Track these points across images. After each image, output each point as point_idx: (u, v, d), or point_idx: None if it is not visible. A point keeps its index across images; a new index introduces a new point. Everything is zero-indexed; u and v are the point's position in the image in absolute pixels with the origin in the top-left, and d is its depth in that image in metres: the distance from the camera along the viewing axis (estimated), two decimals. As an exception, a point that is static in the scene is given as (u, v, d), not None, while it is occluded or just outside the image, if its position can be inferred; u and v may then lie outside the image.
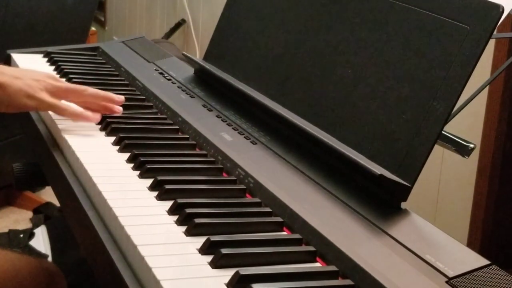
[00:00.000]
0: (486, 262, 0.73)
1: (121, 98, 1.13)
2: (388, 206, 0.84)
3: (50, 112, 1.12)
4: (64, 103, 1.08)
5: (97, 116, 1.09)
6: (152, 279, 0.69)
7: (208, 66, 1.24)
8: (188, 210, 0.80)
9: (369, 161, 0.88)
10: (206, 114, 1.12)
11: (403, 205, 0.84)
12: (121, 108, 1.12)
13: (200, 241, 0.75)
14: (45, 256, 1.96)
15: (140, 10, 3.82)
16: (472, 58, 0.84)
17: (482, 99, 1.81)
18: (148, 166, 0.92)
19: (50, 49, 1.47)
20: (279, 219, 0.82)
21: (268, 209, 0.85)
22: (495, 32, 0.86)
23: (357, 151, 0.91)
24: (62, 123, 1.08)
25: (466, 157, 1.07)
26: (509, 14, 0.97)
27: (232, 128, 1.06)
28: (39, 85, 1.07)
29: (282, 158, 0.96)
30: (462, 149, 1.07)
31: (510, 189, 1.87)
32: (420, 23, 0.91)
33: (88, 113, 1.08)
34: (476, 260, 0.73)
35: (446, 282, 0.69)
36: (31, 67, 1.36)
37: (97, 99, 1.11)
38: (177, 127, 1.09)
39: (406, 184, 0.83)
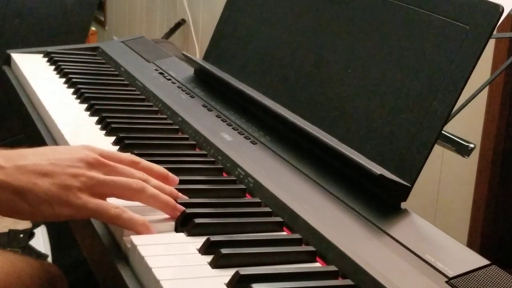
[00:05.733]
0: (486, 262, 0.73)
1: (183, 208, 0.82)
2: (388, 206, 0.84)
3: (51, 114, 1.11)
4: (117, 207, 0.77)
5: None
6: (152, 279, 0.69)
7: (208, 66, 1.24)
8: (188, 210, 0.80)
9: (369, 161, 0.88)
10: (206, 114, 1.12)
11: (403, 205, 0.84)
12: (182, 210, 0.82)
13: (200, 241, 0.75)
14: (45, 256, 1.96)
15: (140, 10, 3.82)
16: (472, 58, 0.84)
17: (482, 99, 1.81)
18: (148, 166, 0.92)
19: (50, 49, 1.47)
20: (279, 219, 0.82)
21: (268, 209, 0.85)
22: (495, 32, 0.86)
23: (357, 151, 0.91)
24: (61, 123, 1.08)
25: (466, 157, 1.07)
26: (509, 14, 0.97)
27: (232, 128, 1.06)
28: (76, 183, 0.76)
29: (282, 158, 0.96)
30: (462, 149, 1.07)
31: (510, 189, 1.87)
32: (420, 23, 0.91)
33: (151, 227, 0.78)
34: (476, 260, 0.73)
35: (446, 282, 0.69)
36: (31, 67, 1.36)
37: (154, 203, 0.81)
38: (177, 127, 1.09)
39: (406, 184, 0.83)
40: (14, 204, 0.75)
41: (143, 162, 0.84)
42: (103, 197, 0.78)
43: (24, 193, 0.74)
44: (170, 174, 0.86)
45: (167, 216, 0.80)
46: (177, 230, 0.79)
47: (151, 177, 0.83)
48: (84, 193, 0.76)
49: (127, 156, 0.85)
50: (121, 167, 0.81)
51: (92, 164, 0.79)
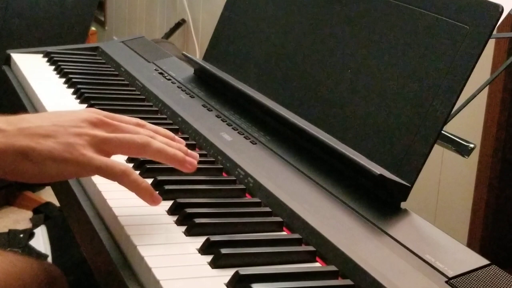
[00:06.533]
0: (486, 262, 0.73)
1: (194, 165, 0.82)
2: (388, 206, 0.84)
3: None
4: (124, 165, 0.77)
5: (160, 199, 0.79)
6: (152, 279, 0.69)
7: (208, 66, 1.24)
8: (188, 210, 0.80)
9: (369, 161, 0.88)
10: (206, 114, 1.12)
11: (403, 205, 0.84)
12: (194, 166, 0.82)
13: (200, 241, 0.75)
14: (45, 256, 1.96)
15: (140, 10, 3.82)
16: (472, 58, 0.84)
17: (482, 99, 1.81)
18: (148, 166, 0.92)
19: (50, 49, 1.47)
20: (279, 219, 0.82)
21: (268, 209, 0.85)
22: (495, 32, 0.86)
23: (357, 151, 0.91)
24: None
25: (466, 157, 1.07)
26: (509, 14, 0.97)
27: (232, 128, 1.06)
28: (80, 141, 0.75)
29: (282, 158, 0.96)
30: (462, 149, 1.07)
31: (510, 189, 1.87)
32: (419, 23, 0.91)
33: (157, 196, 0.78)
34: (476, 260, 0.73)
35: (446, 282, 0.69)
36: (32, 67, 1.37)
37: (162, 159, 0.80)
38: (177, 127, 1.09)
39: (406, 184, 0.83)
40: (17, 164, 0.74)
41: (148, 124, 0.83)
42: (108, 154, 0.78)
43: (27, 153, 0.73)
44: (176, 136, 0.84)
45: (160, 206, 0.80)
46: (178, 226, 0.79)
47: (157, 135, 0.82)
48: (89, 151, 0.75)
49: (132, 118, 0.84)
50: (125, 125, 0.81)
51: (95, 124, 0.79)
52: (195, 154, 0.83)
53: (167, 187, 0.86)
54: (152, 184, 0.88)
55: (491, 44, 1.73)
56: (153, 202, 0.78)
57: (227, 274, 0.69)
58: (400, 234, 0.77)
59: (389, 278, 0.69)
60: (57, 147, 0.74)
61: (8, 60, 1.43)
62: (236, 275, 0.68)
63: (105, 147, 0.77)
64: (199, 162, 0.97)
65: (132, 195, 0.81)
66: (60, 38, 2.34)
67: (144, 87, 1.26)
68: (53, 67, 1.38)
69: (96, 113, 0.81)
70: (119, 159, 0.80)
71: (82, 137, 0.76)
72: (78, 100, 1.20)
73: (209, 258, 0.72)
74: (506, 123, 1.80)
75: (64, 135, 0.75)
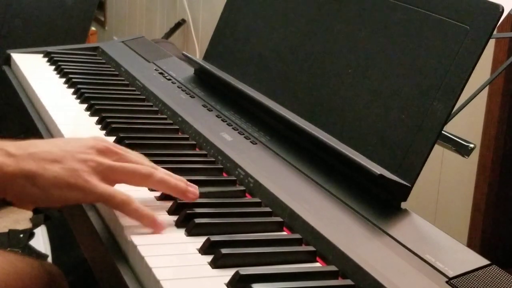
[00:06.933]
0: (486, 262, 0.73)
1: (196, 194, 0.83)
2: (388, 206, 0.84)
3: (51, 114, 1.11)
4: (125, 195, 0.78)
5: (165, 225, 0.79)
6: (152, 279, 0.69)
7: (208, 66, 1.24)
8: (188, 210, 0.80)
9: (369, 161, 0.88)
10: (206, 114, 1.12)
11: (403, 205, 0.84)
12: (196, 194, 0.83)
13: (200, 241, 0.75)
14: (45, 256, 1.96)
15: (140, 10, 3.82)
16: (472, 58, 0.84)
17: (482, 99, 1.81)
18: (148, 166, 0.92)
19: (50, 49, 1.47)
20: (279, 219, 0.82)
21: (268, 209, 0.85)
22: (495, 32, 0.86)
23: (357, 151, 0.91)
24: (61, 122, 1.08)
25: (466, 157, 1.07)
26: (509, 14, 0.97)
27: (232, 128, 1.06)
28: (85, 167, 0.77)
29: (282, 158, 0.96)
30: (462, 149, 1.07)
31: (510, 189, 1.87)
32: (420, 23, 0.91)
33: (160, 223, 0.78)
34: (476, 260, 0.73)
35: (446, 282, 0.69)
36: (32, 67, 1.36)
37: (163, 189, 0.83)
38: (177, 127, 1.09)
39: (406, 184, 0.83)
40: (25, 189, 0.76)
41: (158, 172, 0.83)
42: (112, 183, 0.79)
43: (35, 178, 0.75)
44: (191, 187, 0.84)
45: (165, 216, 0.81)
46: (178, 226, 0.79)
47: (159, 167, 0.83)
48: (93, 178, 0.77)
49: (136, 153, 0.85)
50: (130, 155, 0.83)
51: (102, 151, 0.80)
52: (195, 186, 0.84)
53: (167, 187, 0.86)
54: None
55: (491, 44, 1.73)
56: (157, 229, 0.77)
57: (227, 274, 0.69)
58: (400, 234, 0.77)
59: (389, 278, 0.69)
60: (62, 172, 0.76)
61: (8, 60, 1.43)
62: (236, 275, 0.68)
63: (110, 174, 0.79)
64: (199, 162, 0.97)
65: (133, 195, 0.81)
66: (60, 38, 2.34)
67: (144, 87, 1.26)
68: (53, 67, 1.38)
69: (103, 141, 0.83)
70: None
71: (87, 163, 0.78)
72: (78, 100, 1.20)
73: (209, 258, 0.72)
74: (506, 123, 1.80)
75: (70, 161, 0.77)
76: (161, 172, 0.81)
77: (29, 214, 2.51)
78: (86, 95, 1.20)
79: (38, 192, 0.76)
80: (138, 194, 0.87)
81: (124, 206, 0.77)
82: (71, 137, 0.91)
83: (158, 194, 0.86)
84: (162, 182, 0.81)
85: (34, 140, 0.82)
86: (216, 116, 1.11)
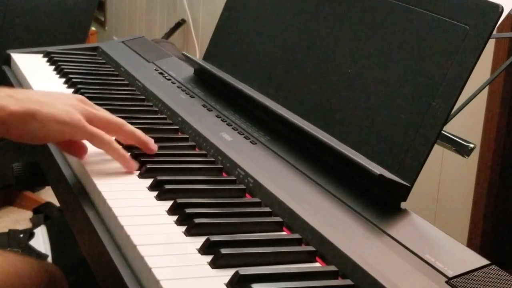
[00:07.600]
0: (486, 262, 0.73)
1: (155, 147, 0.96)
2: (388, 206, 0.84)
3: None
4: (108, 136, 0.92)
5: (136, 165, 0.93)
6: (152, 279, 0.69)
7: (208, 66, 1.24)
8: (188, 210, 0.80)
9: (369, 161, 0.88)
10: (206, 114, 1.12)
11: (403, 205, 0.84)
12: (155, 148, 0.97)
13: (200, 241, 0.75)
14: (45, 256, 1.96)
15: (140, 10, 3.83)
16: (471, 58, 0.84)
17: (482, 99, 1.81)
18: (148, 166, 0.92)
19: (50, 49, 1.47)
20: (278, 219, 0.82)
21: (268, 209, 0.85)
22: (495, 32, 0.86)
23: (357, 151, 0.91)
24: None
25: (466, 157, 1.07)
26: (509, 14, 0.97)
27: (232, 128, 1.06)
28: (75, 110, 0.90)
29: (282, 158, 0.96)
30: (462, 149, 1.07)
31: (510, 189, 1.87)
32: (419, 23, 0.91)
33: (133, 162, 0.93)
34: (476, 260, 0.73)
35: (446, 282, 0.69)
36: (31, 67, 1.37)
37: (131, 139, 0.96)
38: (177, 127, 1.09)
39: (406, 184, 0.83)
40: (26, 124, 0.88)
41: (127, 125, 0.96)
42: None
43: (35, 113, 0.87)
44: (150, 140, 0.96)
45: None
46: (177, 225, 0.79)
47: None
48: (82, 117, 0.90)
49: (113, 117, 0.97)
50: (102, 109, 0.97)
51: (83, 101, 0.95)
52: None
53: (167, 187, 0.86)
54: (152, 184, 0.88)
55: (491, 44, 1.73)
56: (129, 168, 0.91)
57: (227, 274, 0.69)
58: (400, 234, 0.77)
59: (389, 278, 0.69)
60: (58, 111, 0.89)
61: (8, 60, 1.43)
62: (236, 275, 0.68)
63: (93, 120, 0.92)
64: (199, 162, 0.97)
65: (132, 195, 0.82)
66: (60, 38, 2.34)
67: (144, 87, 1.26)
68: (53, 67, 1.38)
69: (80, 96, 0.97)
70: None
71: (76, 107, 0.91)
72: (78, 100, 1.20)
73: (209, 258, 0.72)
74: (506, 123, 1.80)
75: (62, 104, 0.90)
76: (131, 125, 0.95)
77: (29, 214, 2.52)
78: (86, 95, 1.20)
79: (38, 127, 0.88)
80: (138, 194, 0.87)
81: (109, 144, 0.91)
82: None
83: (157, 193, 0.86)
84: (131, 132, 0.94)
85: (28, 89, 0.97)
86: (216, 116, 1.11)
